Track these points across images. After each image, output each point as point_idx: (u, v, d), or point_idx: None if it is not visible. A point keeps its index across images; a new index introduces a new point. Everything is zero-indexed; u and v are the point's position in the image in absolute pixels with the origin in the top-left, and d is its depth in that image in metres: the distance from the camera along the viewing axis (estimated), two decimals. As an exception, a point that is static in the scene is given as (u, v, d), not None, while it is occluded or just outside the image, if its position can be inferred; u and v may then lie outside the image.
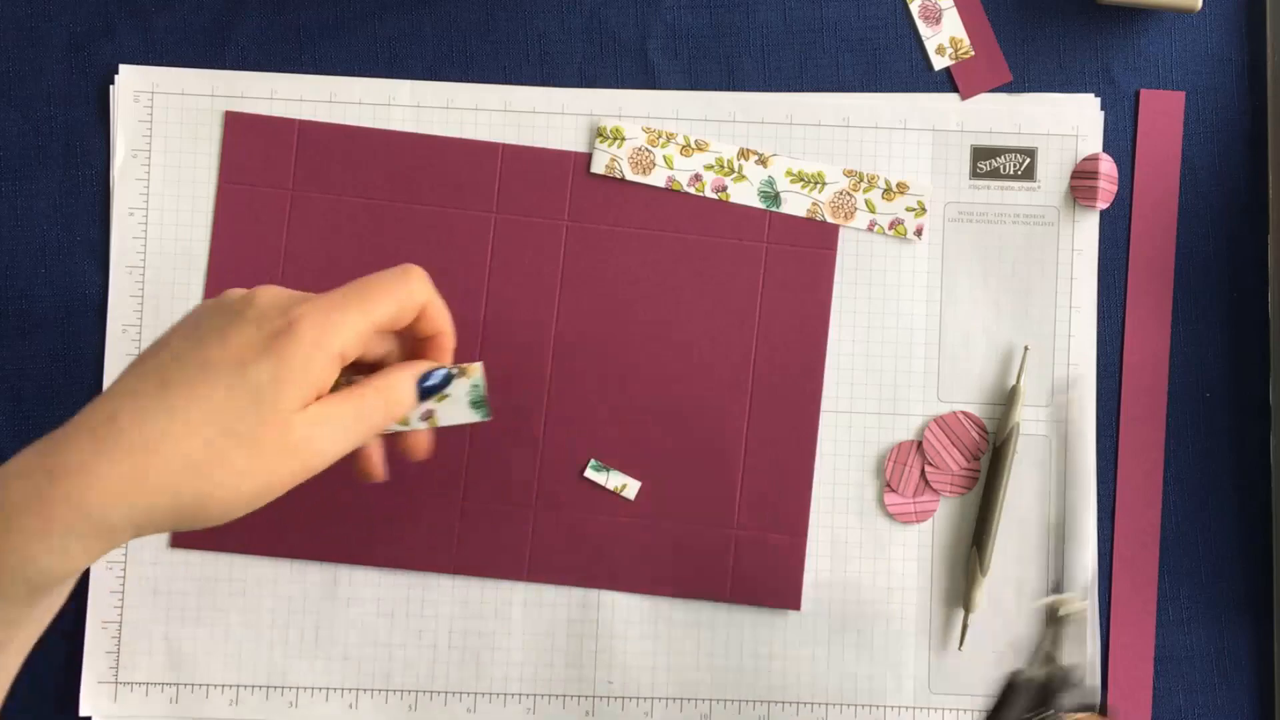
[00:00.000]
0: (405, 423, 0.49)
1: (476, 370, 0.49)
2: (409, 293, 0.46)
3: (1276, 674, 0.60)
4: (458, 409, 0.50)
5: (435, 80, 0.60)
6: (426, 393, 0.48)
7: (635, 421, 0.59)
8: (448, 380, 0.49)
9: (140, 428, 0.41)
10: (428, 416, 0.50)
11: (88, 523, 0.40)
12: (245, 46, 0.60)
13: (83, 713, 0.59)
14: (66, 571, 0.41)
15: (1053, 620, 0.55)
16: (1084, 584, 0.59)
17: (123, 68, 0.59)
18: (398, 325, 0.46)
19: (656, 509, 0.59)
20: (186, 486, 0.41)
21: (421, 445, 0.50)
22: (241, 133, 0.59)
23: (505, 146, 0.60)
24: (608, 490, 0.59)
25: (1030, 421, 0.60)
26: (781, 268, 0.59)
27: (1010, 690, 0.52)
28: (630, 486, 0.59)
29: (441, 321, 0.48)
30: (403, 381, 0.47)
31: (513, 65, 0.60)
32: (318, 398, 0.43)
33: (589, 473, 0.59)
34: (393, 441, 0.49)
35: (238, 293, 0.45)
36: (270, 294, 0.45)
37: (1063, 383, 0.60)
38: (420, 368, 0.48)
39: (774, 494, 0.59)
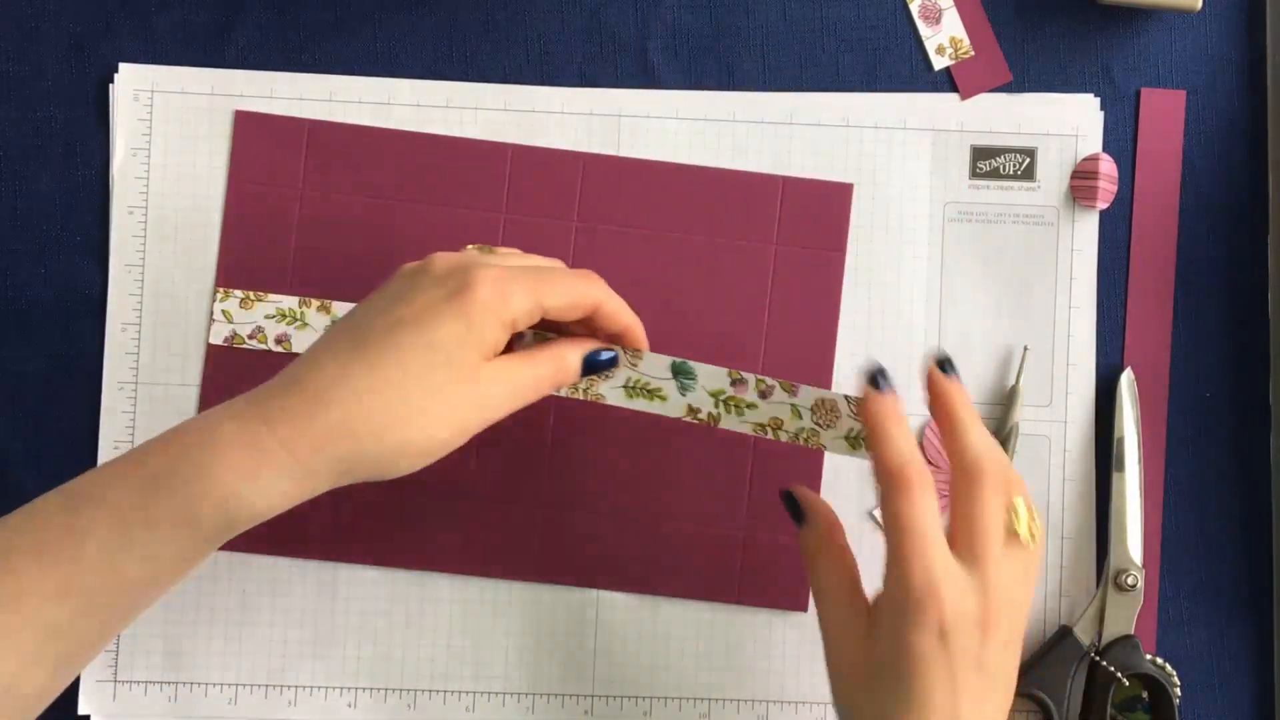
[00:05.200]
0: (574, 390, 0.53)
1: (642, 359, 0.54)
2: (582, 291, 0.50)
3: (1276, 674, 0.60)
4: (616, 392, 0.54)
5: (435, 80, 0.60)
6: (590, 368, 0.52)
7: (643, 422, 0.59)
8: (613, 362, 0.52)
9: (346, 382, 0.44)
10: (589, 389, 0.54)
11: (297, 467, 0.44)
12: (245, 46, 0.60)
13: (81, 711, 0.58)
14: (264, 512, 0.44)
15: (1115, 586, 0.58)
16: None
17: (122, 66, 0.59)
18: (568, 317, 0.50)
19: (662, 510, 0.59)
20: (390, 435, 0.45)
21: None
22: (251, 132, 0.59)
23: (515, 147, 0.59)
24: (607, 488, 0.59)
25: (1030, 421, 0.60)
26: (790, 270, 0.59)
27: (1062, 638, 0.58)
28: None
29: (622, 320, 0.51)
30: (571, 354, 0.51)
31: (513, 65, 0.60)
32: (495, 353, 0.47)
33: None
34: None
35: (413, 265, 0.49)
36: (444, 259, 0.48)
37: (1062, 383, 0.60)
38: (590, 345, 0.51)
39: (776, 494, 0.59)
